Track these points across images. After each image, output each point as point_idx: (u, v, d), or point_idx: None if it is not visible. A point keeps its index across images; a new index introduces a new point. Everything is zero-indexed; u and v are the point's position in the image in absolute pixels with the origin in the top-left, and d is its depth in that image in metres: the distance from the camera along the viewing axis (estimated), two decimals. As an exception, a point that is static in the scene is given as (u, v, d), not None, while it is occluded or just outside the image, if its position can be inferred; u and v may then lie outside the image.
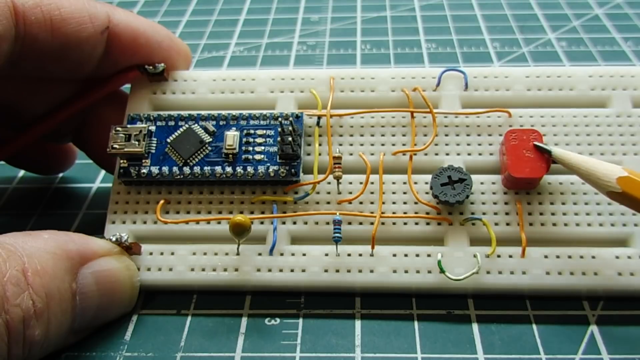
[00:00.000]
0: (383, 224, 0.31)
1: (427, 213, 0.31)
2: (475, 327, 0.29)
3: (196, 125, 0.33)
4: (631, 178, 0.27)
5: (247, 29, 0.57)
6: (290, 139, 0.32)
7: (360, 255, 0.30)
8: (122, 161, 0.33)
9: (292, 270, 0.30)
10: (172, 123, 0.34)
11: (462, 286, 0.29)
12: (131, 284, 0.30)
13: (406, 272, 0.30)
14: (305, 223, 0.32)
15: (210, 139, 0.33)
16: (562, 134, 0.33)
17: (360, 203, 0.32)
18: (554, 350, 0.28)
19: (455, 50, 0.51)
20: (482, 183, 0.32)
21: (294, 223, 0.32)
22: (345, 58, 0.51)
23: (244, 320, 0.30)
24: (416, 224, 0.31)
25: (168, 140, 0.33)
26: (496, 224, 0.31)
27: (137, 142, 0.33)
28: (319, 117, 0.34)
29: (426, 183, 0.32)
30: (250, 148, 0.33)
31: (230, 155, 0.32)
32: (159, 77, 0.35)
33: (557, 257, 0.30)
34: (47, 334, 0.25)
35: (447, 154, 0.33)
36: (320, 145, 0.33)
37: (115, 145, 0.32)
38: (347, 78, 0.35)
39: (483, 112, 0.33)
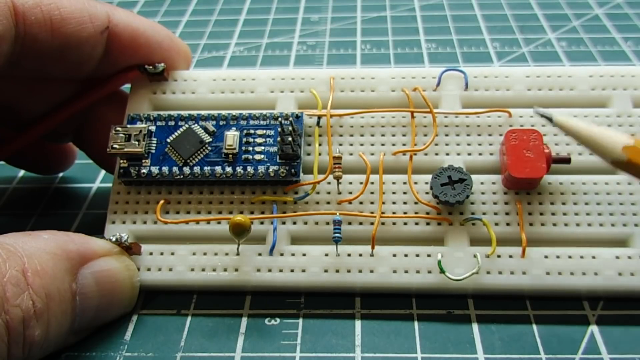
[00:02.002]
0: (383, 224, 0.31)
1: (427, 213, 0.31)
2: (475, 327, 0.29)
3: (196, 125, 0.33)
4: (638, 147, 0.25)
5: (247, 29, 0.57)
6: (290, 139, 0.32)
7: (360, 255, 0.30)
8: (122, 161, 0.33)
9: (292, 270, 0.30)
10: (172, 123, 0.34)
11: (462, 286, 0.29)
12: (131, 284, 0.30)
13: (406, 272, 0.30)
14: (305, 223, 0.32)
15: (210, 139, 0.33)
16: (563, 134, 0.33)
17: (360, 203, 0.32)
18: (554, 350, 0.28)
19: (455, 50, 0.51)
20: (482, 183, 0.32)
21: (294, 223, 0.32)
22: (345, 58, 0.51)
23: (244, 320, 0.30)
24: (416, 224, 0.31)
25: (168, 140, 0.33)
26: (496, 224, 0.31)
27: (137, 142, 0.33)
28: (319, 117, 0.34)
29: (426, 183, 0.32)
30: (250, 148, 0.33)
31: (230, 155, 0.32)
32: (159, 77, 0.35)
33: (557, 257, 0.30)
34: (47, 334, 0.25)
35: (447, 154, 0.33)
36: (320, 145, 0.33)
37: (115, 145, 0.32)
38: (347, 78, 0.35)
39: (483, 112, 0.33)
